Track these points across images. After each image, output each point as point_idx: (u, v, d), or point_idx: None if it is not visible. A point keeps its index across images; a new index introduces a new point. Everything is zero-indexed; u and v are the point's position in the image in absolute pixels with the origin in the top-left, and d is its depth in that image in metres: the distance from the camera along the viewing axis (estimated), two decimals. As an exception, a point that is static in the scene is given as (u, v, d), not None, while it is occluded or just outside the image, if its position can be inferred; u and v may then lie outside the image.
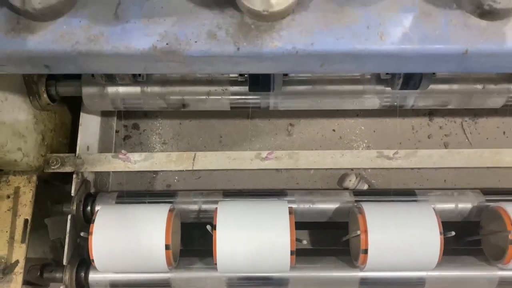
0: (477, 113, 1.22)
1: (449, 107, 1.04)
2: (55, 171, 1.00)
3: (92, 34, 0.61)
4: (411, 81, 0.86)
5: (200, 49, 0.61)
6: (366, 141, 1.21)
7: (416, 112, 1.22)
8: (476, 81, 0.94)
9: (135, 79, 0.90)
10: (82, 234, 0.89)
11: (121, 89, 0.96)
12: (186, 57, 0.62)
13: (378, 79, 0.93)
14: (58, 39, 0.61)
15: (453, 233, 0.88)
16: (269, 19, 0.61)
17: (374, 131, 1.22)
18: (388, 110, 1.07)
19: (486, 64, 0.63)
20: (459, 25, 0.60)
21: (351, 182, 1.13)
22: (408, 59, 0.61)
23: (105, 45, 0.60)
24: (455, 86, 0.94)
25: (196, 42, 0.61)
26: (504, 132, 1.22)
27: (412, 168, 1.16)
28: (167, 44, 0.61)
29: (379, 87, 0.94)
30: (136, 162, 1.02)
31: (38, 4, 0.59)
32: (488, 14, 0.59)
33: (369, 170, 1.18)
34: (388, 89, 0.93)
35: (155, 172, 1.16)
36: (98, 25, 0.61)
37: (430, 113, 1.22)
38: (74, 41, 0.61)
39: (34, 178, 0.98)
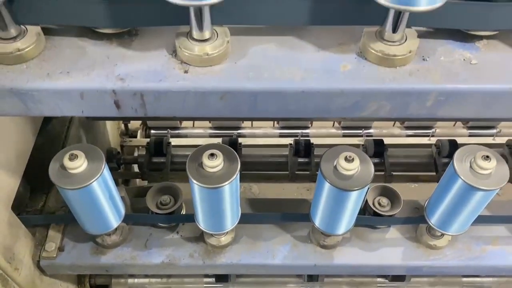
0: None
1: None
2: (85, 336, 1.59)
3: (132, 255, 1.33)
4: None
5: (184, 263, 1.32)
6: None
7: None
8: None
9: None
10: None
11: (136, 280, 1.63)
12: (181, 267, 1.32)
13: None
14: (116, 258, 1.32)
15: None
16: (219, 247, 1.33)
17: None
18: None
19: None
20: (311, 251, 1.33)
21: None
22: (287, 268, 1.32)
23: (139, 261, 1.31)
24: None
25: (183, 259, 1.32)
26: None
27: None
28: (169, 260, 1.32)
29: (299, 280, 1.62)
30: (140, 330, 1.62)
31: (109, 242, 1.31)
32: (323, 246, 1.32)
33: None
34: (301, 280, 1.61)
35: None
36: (136, 251, 1.33)
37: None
38: (123, 258, 1.32)
39: None
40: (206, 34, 0.80)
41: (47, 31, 0.84)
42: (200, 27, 0.78)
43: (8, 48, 0.79)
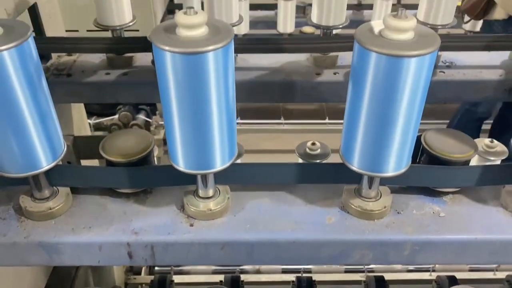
0: None
1: None
2: None
3: None
4: None
5: None
6: None
7: None
8: None
9: None
10: None
11: None
12: None
13: None
14: None
15: None
16: None
17: None
18: None
19: None
20: None
21: None
22: None
23: None
24: None
25: None
26: None
27: None
28: None
29: None
30: None
31: None
32: None
33: None
34: None
35: None
36: None
37: None
38: None
39: None
40: (210, 192, 0.96)
41: (74, 190, 1.00)
42: (205, 187, 0.94)
43: (41, 207, 0.94)
